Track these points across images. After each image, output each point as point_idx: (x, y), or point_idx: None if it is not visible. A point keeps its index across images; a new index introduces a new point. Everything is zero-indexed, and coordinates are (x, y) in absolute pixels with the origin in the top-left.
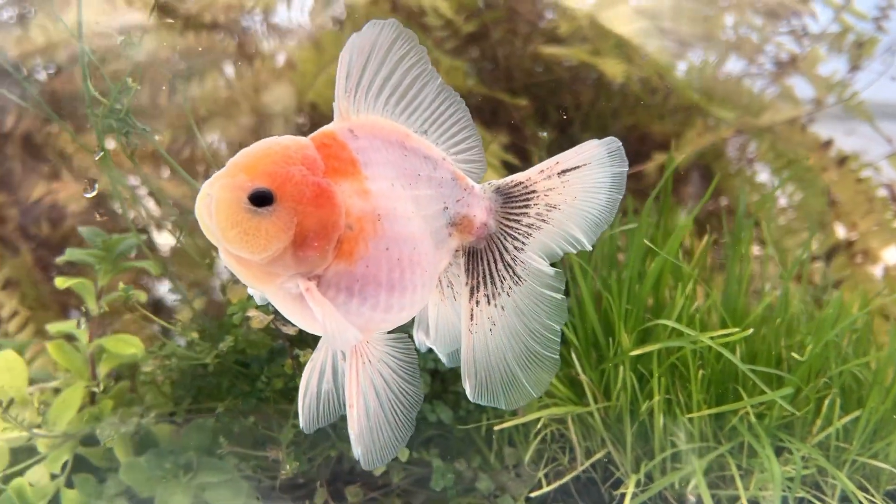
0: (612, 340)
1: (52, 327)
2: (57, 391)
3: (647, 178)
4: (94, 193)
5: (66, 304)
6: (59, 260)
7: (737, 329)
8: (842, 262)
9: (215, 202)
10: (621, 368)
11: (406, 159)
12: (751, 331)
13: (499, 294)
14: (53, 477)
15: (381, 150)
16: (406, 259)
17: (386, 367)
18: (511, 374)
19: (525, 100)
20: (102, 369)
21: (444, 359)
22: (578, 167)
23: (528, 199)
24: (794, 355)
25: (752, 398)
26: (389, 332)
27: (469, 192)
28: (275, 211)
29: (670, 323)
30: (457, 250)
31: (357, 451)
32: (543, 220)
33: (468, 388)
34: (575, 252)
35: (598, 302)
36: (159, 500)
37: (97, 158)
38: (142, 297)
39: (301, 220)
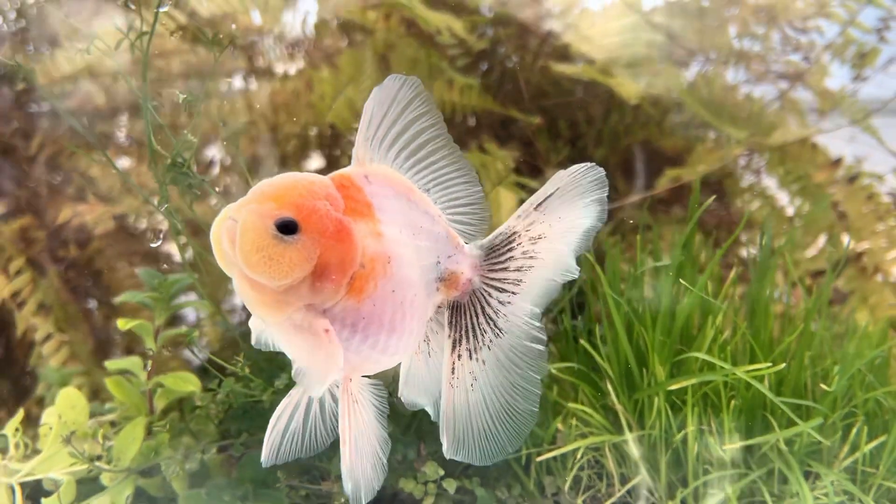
0: (645, 371)
1: (111, 364)
2: (112, 424)
3: (657, 192)
4: (159, 244)
5: (95, 326)
6: (118, 301)
7: (769, 364)
8: (851, 274)
9: (241, 226)
10: (656, 399)
11: (411, 210)
12: (783, 365)
13: (480, 348)
14: None
15: (391, 198)
16: (408, 303)
17: (369, 410)
18: (489, 428)
19: (537, 117)
20: (159, 404)
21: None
22: (551, 194)
23: (511, 243)
24: (823, 386)
25: (780, 426)
26: (370, 378)
27: (459, 250)
28: (299, 240)
29: (704, 356)
30: (439, 306)
31: (348, 486)
32: (531, 257)
33: (445, 443)
34: (570, 278)
35: (629, 333)
36: None
37: (162, 210)
38: (194, 334)
39: (322, 253)
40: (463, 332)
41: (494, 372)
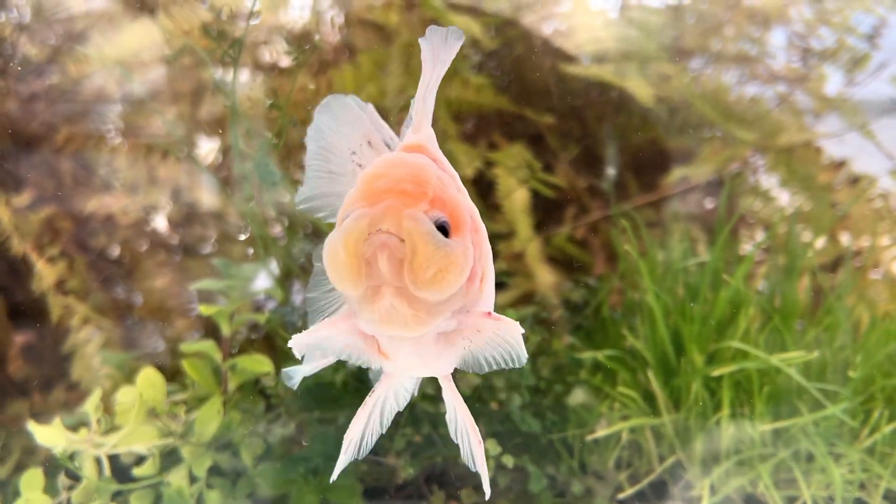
0: (681, 358)
1: (187, 347)
2: (184, 402)
3: (662, 190)
4: (247, 236)
5: (123, 315)
6: (193, 287)
7: (802, 351)
8: (849, 271)
9: (411, 242)
10: (693, 384)
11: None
12: (815, 354)
13: None
14: (192, 479)
15: (446, 163)
16: (492, 282)
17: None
18: None
19: (549, 116)
20: (232, 384)
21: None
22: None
23: None
24: (851, 373)
25: (808, 409)
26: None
27: None
28: (458, 242)
29: (740, 345)
30: None
31: (488, 487)
32: None
33: None
34: None
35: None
36: (294, 499)
37: (250, 205)
38: (262, 318)
39: (474, 250)
40: None
41: None
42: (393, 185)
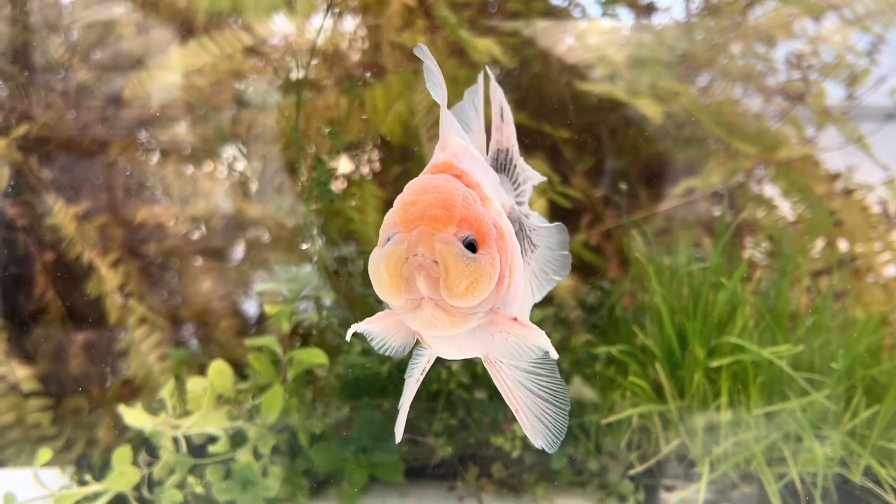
0: (685, 352)
1: (250, 342)
2: (245, 390)
3: (671, 199)
4: (308, 246)
5: (173, 316)
6: (257, 290)
7: (790, 345)
8: (846, 275)
9: (444, 263)
10: (696, 375)
11: (484, 169)
12: (801, 347)
13: (526, 265)
14: (257, 456)
15: (475, 168)
16: (521, 273)
17: (516, 372)
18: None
19: (565, 130)
20: (291, 374)
21: None
22: (503, 105)
23: (507, 160)
24: (833, 365)
25: (796, 396)
26: None
27: (501, 182)
28: (485, 255)
29: (737, 340)
30: None
31: (538, 443)
32: (516, 165)
33: None
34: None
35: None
36: (347, 474)
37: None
38: (314, 318)
39: (500, 258)
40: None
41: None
42: (424, 211)
